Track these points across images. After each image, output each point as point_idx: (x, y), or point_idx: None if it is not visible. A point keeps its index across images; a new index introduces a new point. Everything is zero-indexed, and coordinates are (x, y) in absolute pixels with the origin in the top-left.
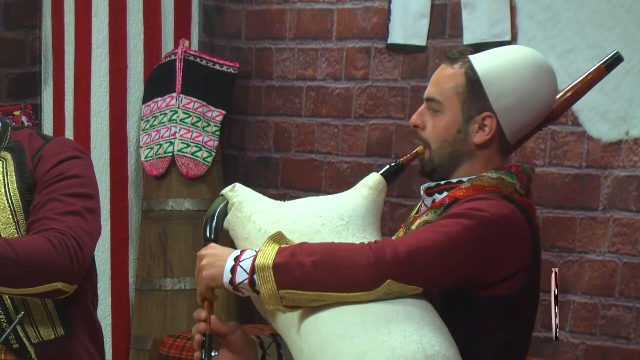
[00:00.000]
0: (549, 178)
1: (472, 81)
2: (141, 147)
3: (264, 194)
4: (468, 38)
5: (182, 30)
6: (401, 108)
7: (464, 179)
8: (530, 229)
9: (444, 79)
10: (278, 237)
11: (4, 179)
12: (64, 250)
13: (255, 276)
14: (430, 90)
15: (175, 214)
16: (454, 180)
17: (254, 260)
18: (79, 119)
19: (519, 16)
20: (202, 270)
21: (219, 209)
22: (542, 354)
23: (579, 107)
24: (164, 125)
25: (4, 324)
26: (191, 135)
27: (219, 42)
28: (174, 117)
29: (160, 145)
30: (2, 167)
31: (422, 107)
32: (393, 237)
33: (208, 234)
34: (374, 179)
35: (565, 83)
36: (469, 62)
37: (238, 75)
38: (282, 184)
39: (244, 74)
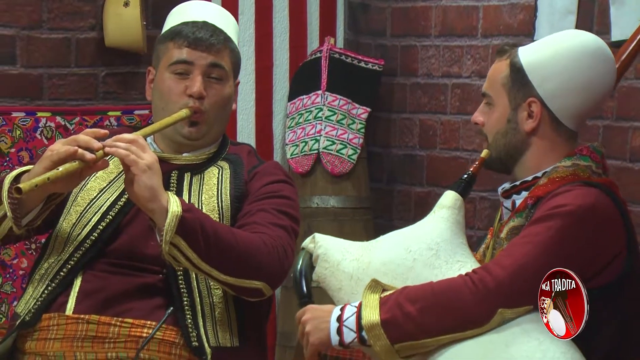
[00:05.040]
0: None
1: (516, 69)
2: (287, 144)
3: (409, 192)
4: (616, 34)
5: (327, 27)
6: None
7: (539, 174)
8: (618, 207)
9: (493, 73)
10: (374, 286)
11: (218, 185)
12: (275, 253)
13: (364, 334)
14: (484, 86)
15: (321, 211)
16: (530, 178)
17: (358, 318)
18: None
19: None
20: (308, 337)
21: (304, 264)
22: None
23: None
24: (310, 123)
25: (190, 324)
26: (336, 133)
27: (364, 40)
28: (320, 114)
29: (306, 142)
30: (219, 174)
31: (482, 104)
32: (482, 245)
33: (305, 291)
34: (450, 197)
35: None
36: (516, 52)
37: (383, 72)
38: (427, 181)
39: (389, 71)
